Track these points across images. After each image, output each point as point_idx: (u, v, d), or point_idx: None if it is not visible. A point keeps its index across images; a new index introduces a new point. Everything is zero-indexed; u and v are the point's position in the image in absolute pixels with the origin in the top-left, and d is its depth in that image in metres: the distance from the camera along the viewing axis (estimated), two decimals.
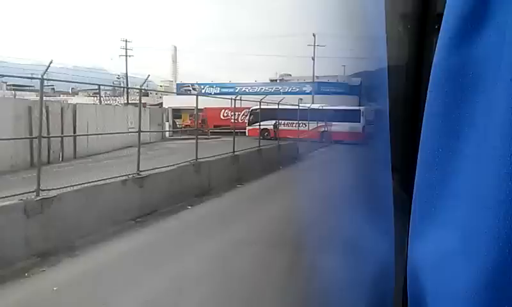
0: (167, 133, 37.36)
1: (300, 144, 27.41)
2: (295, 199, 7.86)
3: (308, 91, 51.03)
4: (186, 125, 49.88)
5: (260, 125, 30.30)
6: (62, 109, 19.88)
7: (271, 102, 31.59)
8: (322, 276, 1.84)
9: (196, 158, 13.87)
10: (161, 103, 54.17)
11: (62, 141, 19.20)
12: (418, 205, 0.82)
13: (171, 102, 50.90)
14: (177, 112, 51.47)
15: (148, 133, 31.45)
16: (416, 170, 0.82)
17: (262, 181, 16.96)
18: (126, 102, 55.95)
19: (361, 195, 1.54)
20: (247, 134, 34.59)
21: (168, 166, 12.90)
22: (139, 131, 12.71)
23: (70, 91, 67.40)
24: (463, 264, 0.69)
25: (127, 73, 56.45)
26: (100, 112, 24.35)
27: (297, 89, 52.55)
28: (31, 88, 71.25)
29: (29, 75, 29.27)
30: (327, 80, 52.16)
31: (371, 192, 1.46)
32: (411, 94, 1.31)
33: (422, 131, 0.81)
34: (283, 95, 48.09)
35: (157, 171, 12.47)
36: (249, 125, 35.79)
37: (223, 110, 43.54)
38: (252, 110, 36.69)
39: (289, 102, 33.82)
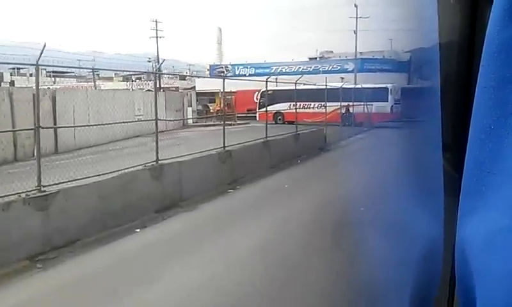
0: (190, 120, 34.13)
1: (330, 130, 23.34)
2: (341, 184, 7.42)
3: (350, 69, 46.28)
4: (218, 110, 46.89)
5: (266, 109, 27.24)
6: (34, 96, 16.79)
7: (308, 83, 27.96)
8: (371, 256, 1.83)
9: (156, 160, 10.27)
10: (194, 87, 51.36)
11: (36, 134, 16.14)
12: (468, 183, 0.82)
13: (204, 85, 47.84)
14: (209, 96, 48.48)
15: (164, 121, 28.35)
16: (467, 147, 0.81)
17: (264, 183, 13.26)
18: (158, 86, 53.53)
19: (411, 176, 1.54)
20: (257, 119, 31.17)
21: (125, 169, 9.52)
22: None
23: (96, 76, 65.66)
24: None
25: (158, 57, 53.52)
26: (94, 97, 21.22)
27: (339, 68, 47.97)
28: (70, 74, 70.55)
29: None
30: (372, 57, 47.32)
31: (421, 172, 1.46)
32: (464, 69, 1.27)
33: (473, 107, 0.79)
34: (322, 74, 44.15)
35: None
36: (259, 108, 32.19)
37: (257, 93, 39.83)
38: (263, 92, 33.07)
39: (331, 81, 30.07)
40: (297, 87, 21.65)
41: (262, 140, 15.03)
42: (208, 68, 54.45)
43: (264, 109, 31.02)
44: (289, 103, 28.43)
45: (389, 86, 30.60)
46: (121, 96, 24.66)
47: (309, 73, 45.55)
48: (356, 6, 44.53)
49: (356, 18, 44.88)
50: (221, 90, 35.82)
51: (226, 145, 12.88)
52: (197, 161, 11.22)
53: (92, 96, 21.70)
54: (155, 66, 55.52)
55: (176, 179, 10.40)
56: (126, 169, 9.42)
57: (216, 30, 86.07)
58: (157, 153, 10.21)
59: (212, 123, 35.69)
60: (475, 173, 0.78)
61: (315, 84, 27.35)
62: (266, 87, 19.82)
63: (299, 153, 17.56)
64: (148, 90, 50.64)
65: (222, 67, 52.38)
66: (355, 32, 44.46)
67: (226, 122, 33.85)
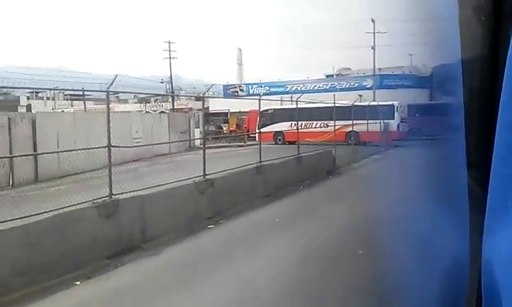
0: (197, 142, 32.60)
1: (341, 151, 21.43)
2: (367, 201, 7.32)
3: (368, 86, 44.36)
4: (232, 131, 45.44)
5: (260, 129, 26.10)
6: (10, 120, 15.47)
7: (326, 101, 26.37)
8: (399, 270, 1.88)
9: (110, 195, 8.55)
10: (207, 108, 50.10)
11: (11, 162, 14.81)
12: (493, 200, 0.82)
13: (218, 105, 46.55)
14: (223, 117, 47.12)
15: (168, 143, 26.91)
16: (492, 165, 0.81)
17: (252, 217, 11.45)
18: (172, 107, 52.48)
19: (437, 193, 1.59)
20: (257, 139, 29.69)
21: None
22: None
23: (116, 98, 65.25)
24: None
25: (171, 77, 52.63)
26: (83, 121, 19.84)
27: (357, 85, 46.15)
28: (88, 97, 70.44)
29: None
30: (391, 72, 45.35)
31: (447, 189, 1.49)
32: (487, 87, 1.29)
33: (497, 125, 0.79)
34: (339, 92, 42.36)
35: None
36: (259, 128, 30.70)
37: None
38: (263, 111, 31.54)
39: (348, 99, 28.41)
40: (299, 106, 19.94)
41: (254, 165, 13.25)
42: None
43: (263, 130, 29.78)
44: (290, 123, 26.99)
45: (395, 103, 28.99)
46: (117, 119, 23.24)
47: (325, 91, 43.87)
48: (373, 21, 42.86)
49: (374, 33, 43.18)
50: (233, 110, 34.83)
51: (207, 173, 11.17)
52: (166, 193, 9.51)
53: (81, 119, 20.31)
54: (169, 87, 54.81)
55: (138, 216, 8.71)
56: (66, 207, 7.76)
57: (236, 50, 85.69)
58: (110, 186, 8.53)
59: (221, 144, 34.24)
60: (501, 191, 0.78)
61: (319, 102, 25.90)
62: (259, 106, 18.00)
63: (303, 178, 15.71)
64: (162, 112, 49.92)
65: (236, 87, 51.09)
66: (373, 48, 42.59)
67: (235, 143, 32.18)
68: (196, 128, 33.54)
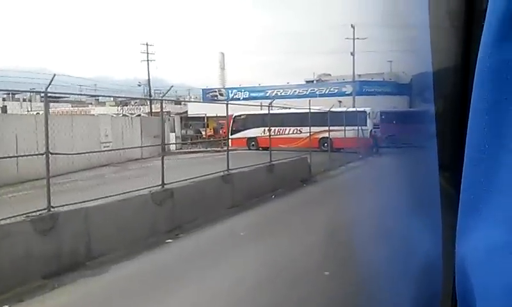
0: (172, 146, 31.66)
1: (317, 159, 20.74)
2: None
3: (348, 92, 43.92)
4: (209, 136, 44.54)
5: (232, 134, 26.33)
6: None
7: (304, 107, 25.79)
8: (371, 271, 1.94)
9: (48, 208, 7.62)
10: (186, 112, 49.08)
11: None
12: (465, 201, 0.85)
13: (198, 109, 45.54)
14: (203, 121, 46.11)
15: (140, 148, 25.93)
16: (464, 166, 0.85)
17: (216, 230, 10.62)
18: (150, 110, 51.26)
19: (411, 197, 1.62)
20: (229, 145, 29.11)
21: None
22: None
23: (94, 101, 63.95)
24: None
25: (149, 80, 51.50)
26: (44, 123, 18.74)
27: (336, 91, 45.62)
28: (65, 99, 68.83)
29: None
30: (371, 79, 45.04)
31: (420, 192, 1.53)
32: (459, 92, 1.30)
33: (468, 127, 0.83)
34: (319, 98, 41.86)
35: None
36: (231, 134, 30.20)
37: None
38: (235, 116, 31.05)
39: (328, 105, 27.87)
40: (272, 112, 19.26)
41: (221, 173, 12.42)
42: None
43: (236, 136, 29.47)
44: (263, 128, 25.86)
45: (367, 109, 28.72)
46: (83, 122, 22.23)
47: (305, 96, 43.23)
48: (353, 26, 42.43)
49: (354, 39, 42.80)
50: (219, 114, 33.91)
51: (167, 182, 10.32)
52: (116, 205, 8.63)
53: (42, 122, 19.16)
54: (146, 90, 53.67)
55: (81, 231, 7.82)
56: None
57: (219, 55, 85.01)
58: (48, 198, 7.58)
59: (198, 149, 33.36)
60: (472, 191, 0.81)
61: (294, 108, 25.49)
62: (227, 111, 17.21)
63: (275, 187, 14.95)
64: (139, 115, 48.75)
65: (215, 91, 50.18)
66: (352, 54, 42.18)
67: (213, 148, 31.31)
68: (171, 132, 32.64)
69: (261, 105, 18.87)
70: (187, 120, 48.27)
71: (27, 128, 17.02)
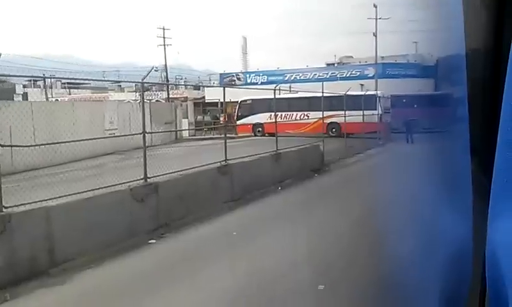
0: (185, 133, 30.70)
1: (332, 146, 19.44)
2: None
3: (370, 75, 42.09)
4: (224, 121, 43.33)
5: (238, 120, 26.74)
6: None
7: (326, 90, 24.66)
8: (402, 258, 1.94)
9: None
10: (203, 97, 48.04)
11: None
12: (498, 185, 0.82)
13: (215, 95, 44.46)
14: (220, 107, 44.98)
15: (149, 135, 24.99)
16: (496, 150, 0.82)
17: (206, 229, 9.54)
18: (167, 96, 50.37)
19: (440, 183, 1.58)
20: (237, 132, 28.10)
21: None
22: None
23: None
24: None
25: (166, 65, 50.51)
26: (44, 111, 17.96)
27: (358, 73, 43.82)
28: (85, 85, 68.90)
29: None
30: (394, 61, 43.13)
31: (450, 178, 1.50)
32: (491, 76, 1.29)
33: (501, 111, 0.80)
34: (340, 81, 40.35)
35: None
36: (237, 119, 29.26)
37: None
38: (241, 101, 29.96)
39: (350, 89, 26.66)
40: (278, 96, 18.11)
41: (218, 164, 11.31)
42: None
43: (242, 121, 28.78)
44: (270, 114, 26.08)
45: (378, 93, 27.40)
46: (86, 109, 21.38)
47: (326, 80, 41.62)
48: (375, 6, 40.48)
49: (376, 19, 40.84)
50: (236, 99, 32.92)
51: (150, 176, 9.27)
52: (85, 204, 7.61)
53: (40, 109, 18.35)
54: (164, 76, 52.74)
55: (42, 234, 6.83)
56: None
57: (241, 39, 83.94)
58: None
59: (212, 136, 32.33)
60: (505, 176, 0.78)
61: (296, 92, 24.63)
62: (224, 96, 16.00)
63: (282, 178, 13.79)
64: (157, 101, 47.95)
65: (233, 75, 48.92)
66: (375, 34, 40.28)
67: (229, 135, 30.49)
68: (184, 118, 31.68)
69: (274, 89, 17.74)
70: (204, 106, 47.25)
71: (23, 116, 16.17)
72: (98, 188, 8.28)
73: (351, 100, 22.76)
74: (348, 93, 22.05)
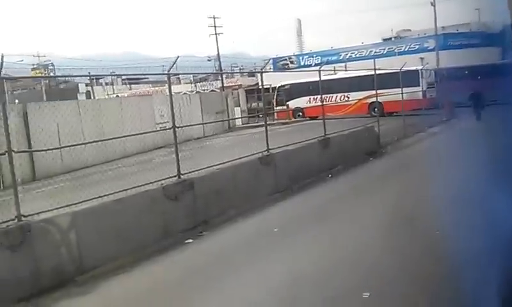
0: (238, 121, 30.29)
1: (390, 125, 18.28)
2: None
3: (431, 48, 39.68)
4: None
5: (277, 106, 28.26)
6: None
7: (382, 68, 23.55)
8: (456, 242, 2.41)
9: (18, 217, 6.30)
10: (257, 84, 47.39)
11: None
12: None
13: (269, 80, 43.72)
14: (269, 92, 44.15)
15: (202, 125, 24.83)
16: None
17: (249, 224, 8.93)
18: (222, 85, 50.18)
19: (500, 163, 1.82)
20: (275, 117, 27.23)
21: None
22: None
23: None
24: None
25: (218, 54, 50.29)
26: (90, 108, 18.02)
27: (417, 47, 41.51)
28: (145, 80, 70.39)
29: None
30: (456, 31, 40.42)
31: (508, 153, 1.71)
32: None
33: None
34: (399, 56, 38.32)
35: None
36: (277, 105, 28.62)
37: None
38: (279, 87, 29.18)
39: (409, 64, 25.32)
40: (315, 80, 17.25)
41: (259, 155, 10.64)
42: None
43: (282, 107, 28.52)
44: (309, 97, 26.34)
45: (420, 68, 25.82)
46: (134, 104, 21.36)
47: (382, 56, 39.81)
48: None
49: None
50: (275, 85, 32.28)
51: (183, 172, 8.75)
52: (112, 207, 7.19)
53: (87, 107, 18.46)
54: (217, 65, 52.59)
55: (66, 242, 6.51)
56: None
57: (295, 21, 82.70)
58: (17, 205, 6.25)
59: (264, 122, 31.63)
60: None
61: (335, 73, 24.27)
62: (262, 81, 15.28)
63: (333, 164, 12.94)
64: (212, 91, 47.93)
65: (286, 59, 47.90)
66: (432, 4, 37.78)
67: (280, 121, 29.67)
68: (236, 106, 31.26)
69: (319, 70, 16.83)
70: (259, 92, 46.64)
71: (70, 115, 16.27)
72: (130, 188, 7.87)
73: (393, 78, 21.53)
74: (389, 70, 21.09)
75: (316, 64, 43.66)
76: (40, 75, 54.81)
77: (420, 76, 26.02)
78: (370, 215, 8.56)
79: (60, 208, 6.88)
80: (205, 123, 23.94)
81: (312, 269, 6.24)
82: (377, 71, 19.04)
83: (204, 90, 50.20)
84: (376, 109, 23.91)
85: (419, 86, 25.65)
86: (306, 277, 5.99)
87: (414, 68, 26.22)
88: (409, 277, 5.59)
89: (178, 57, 8.49)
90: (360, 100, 26.47)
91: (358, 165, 13.76)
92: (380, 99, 21.76)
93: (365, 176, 12.82)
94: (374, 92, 20.80)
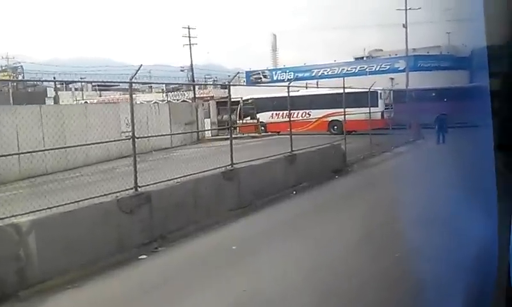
0: (208, 133, 30.06)
1: (356, 145, 18.36)
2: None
3: (401, 68, 40.44)
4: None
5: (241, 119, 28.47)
6: None
7: (353, 86, 23.80)
8: (425, 256, 2.23)
9: None
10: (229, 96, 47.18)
11: None
12: None
13: (242, 93, 43.73)
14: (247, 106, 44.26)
15: (169, 136, 24.52)
16: None
17: (205, 241, 8.71)
18: (193, 96, 49.89)
19: (464, 181, 1.70)
20: (238, 131, 27.36)
21: None
22: None
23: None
24: None
25: (192, 65, 50.06)
26: (53, 115, 17.55)
27: (388, 67, 42.30)
28: (116, 87, 69.30)
29: None
30: (426, 53, 41.42)
31: (474, 176, 1.48)
32: None
33: None
34: (370, 75, 38.95)
35: None
36: (239, 118, 28.98)
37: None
38: (244, 100, 29.44)
39: (379, 83, 25.88)
40: (279, 95, 17.39)
41: (222, 169, 10.47)
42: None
43: (247, 120, 28.70)
44: (271, 113, 26.95)
45: (379, 90, 26.51)
46: (98, 111, 20.94)
47: (354, 74, 40.35)
48: None
49: (406, 10, 39.07)
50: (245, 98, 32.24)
51: (141, 185, 8.50)
52: (62, 219, 6.88)
53: (50, 112, 17.98)
54: (189, 75, 52.32)
55: (12, 253, 6.17)
56: None
57: (271, 36, 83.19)
58: None
59: (235, 135, 31.50)
60: None
61: (298, 90, 25.09)
62: (229, 94, 15.24)
63: (298, 181, 12.86)
64: (184, 101, 47.63)
65: (259, 73, 48.08)
66: (404, 26, 38.54)
67: (250, 134, 29.60)
68: (206, 118, 31.03)
69: (288, 86, 16.87)
70: (231, 105, 46.56)
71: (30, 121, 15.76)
72: (83, 200, 7.57)
73: (352, 97, 21.98)
74: (350, 90, 21.78)
75: (288, 80, 43.99)
76: (7, 77, 53.39)
77: (378, 97, 26.50)
78: (333, 234, 8.47)
79: (5, 218, 6.52)
80: (172, 134, 23.58)
81: (269, 289, 6.07)
82: (338, 90, 19.38)
83: (176, 100, 49.85)
84: (335, 127, 24.79)
85: (377, 106, 25.97)
86: (261, 297, 5.82)
87: (373, 89, 27.47)
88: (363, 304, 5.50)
89: (141, 65, 8.37)
90: (320, 118, 27.34)
91: (323, 183, 13.73)
92: (340, 118, 22.03)
93: (330, 194, 12.78)
94: (334, 111, 21.29)
